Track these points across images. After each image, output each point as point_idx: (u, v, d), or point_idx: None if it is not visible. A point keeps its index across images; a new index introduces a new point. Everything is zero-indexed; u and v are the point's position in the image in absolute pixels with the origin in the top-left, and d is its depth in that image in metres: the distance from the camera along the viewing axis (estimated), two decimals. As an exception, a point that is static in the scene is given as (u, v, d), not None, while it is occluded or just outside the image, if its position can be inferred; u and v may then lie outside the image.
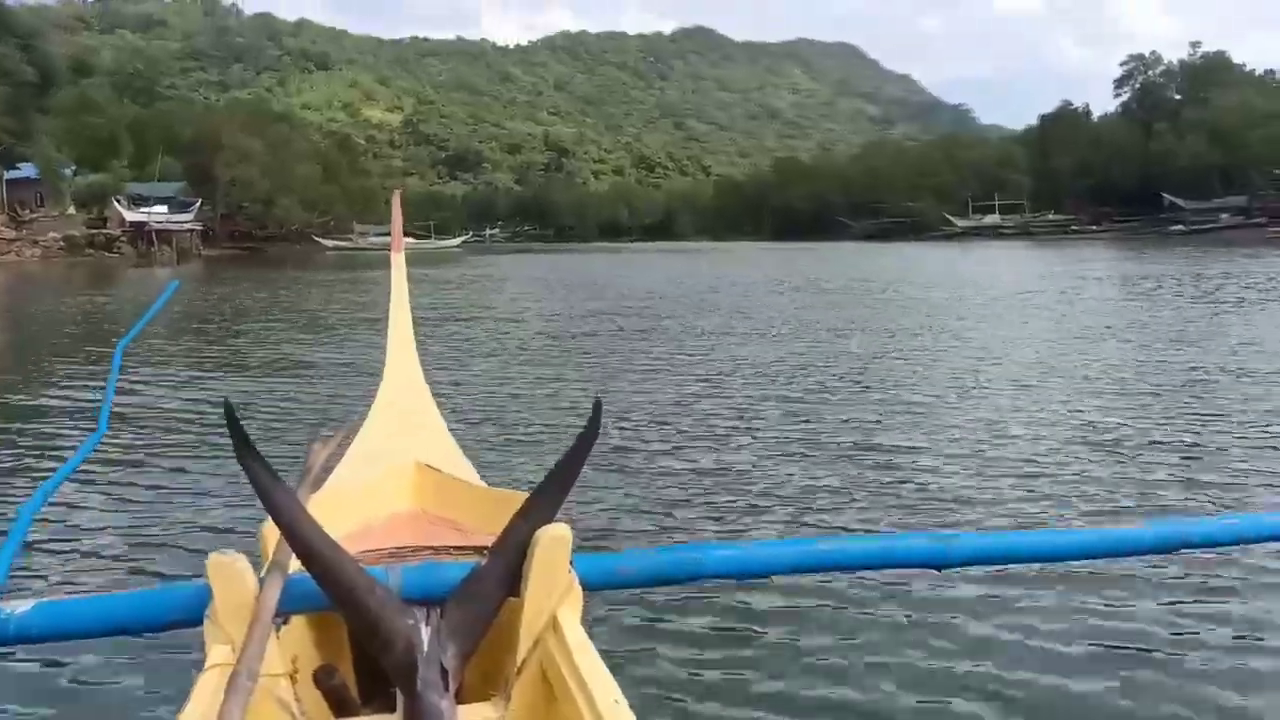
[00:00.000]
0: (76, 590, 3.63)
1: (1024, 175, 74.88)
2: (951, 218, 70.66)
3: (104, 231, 51.76)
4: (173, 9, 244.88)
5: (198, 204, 56.65)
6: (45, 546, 4.21)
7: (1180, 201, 60.16)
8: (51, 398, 8.26)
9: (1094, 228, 63.96)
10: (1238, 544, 2.04)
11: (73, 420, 7.15)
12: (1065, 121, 77.19)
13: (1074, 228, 65.10)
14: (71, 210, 53.57)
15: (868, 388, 8.28)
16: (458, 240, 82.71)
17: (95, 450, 3.34)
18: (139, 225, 51.96)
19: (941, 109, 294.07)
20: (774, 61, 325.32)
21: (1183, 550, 1.95)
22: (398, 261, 3.60)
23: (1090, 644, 3.29)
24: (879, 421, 6.85)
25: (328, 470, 2.25)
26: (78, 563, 4.10)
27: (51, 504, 3.61)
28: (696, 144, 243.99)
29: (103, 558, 4.18)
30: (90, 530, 4.51)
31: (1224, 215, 57.38)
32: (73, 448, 5.16)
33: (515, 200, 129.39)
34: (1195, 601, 3.62)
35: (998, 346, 11.07)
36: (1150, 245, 43.40)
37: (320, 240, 69.12)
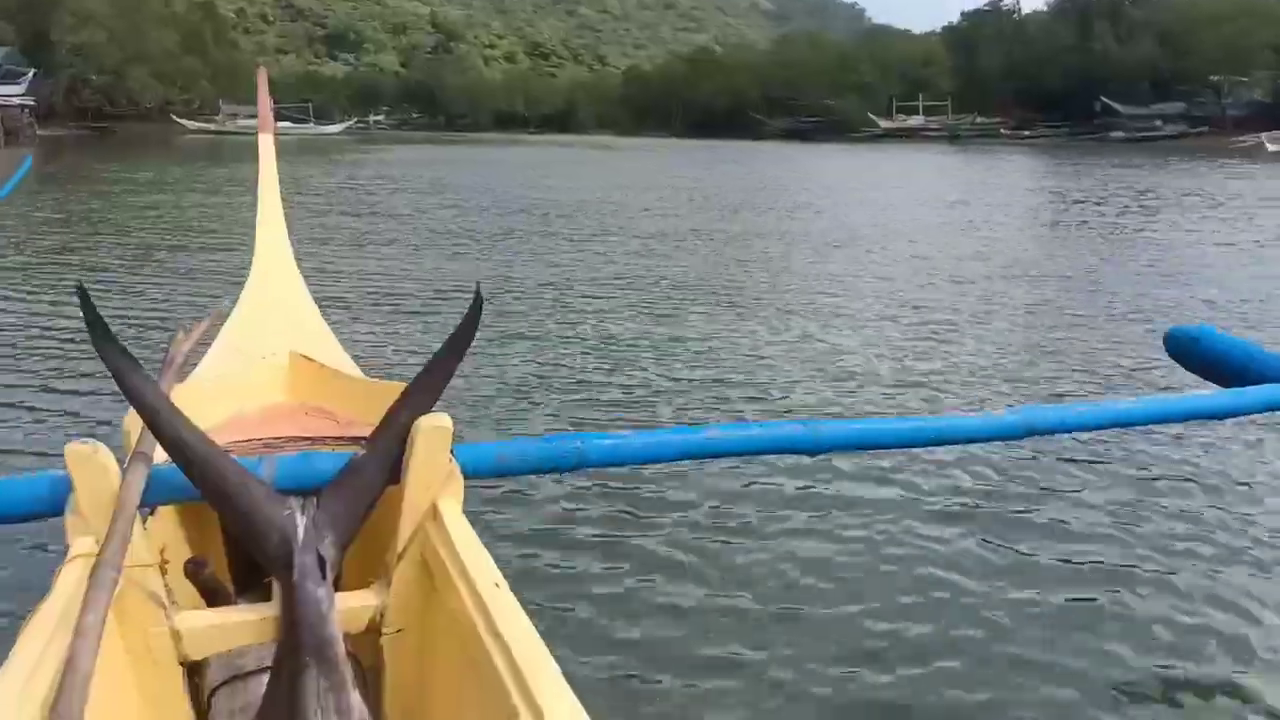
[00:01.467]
0: None
1: (949, 76, 71.02)
2: (875, 118, 66.60)
3: None
4: None
5: (29, 74, 47.40)
6: None
7: (1118, 106, 57.07)
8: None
9: (1025, 133, 60.73)
10: (1086, 429, 2.32)
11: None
12: (992, 19, 73.31)
13: (1003, 131, 61.69)
14: None
15: (752, 291, 8.32)
16: (340, 126, 74.47)
17: None
18: None
19: (836, 7, 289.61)
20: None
21: (1040, 435, 2.11)
22: (265, 143, 3.43)
23: (948, 522, 3.54)
24: (758, 324, 6.98)
25: (194, 363, 2.17)
26: None
27: None
28: (591, 32, 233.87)
29: None
30: None
31: (1160, 122, 54.82)
32: None
33: (401, 85, 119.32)
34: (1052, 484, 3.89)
35: (892, 254, 10.96)
36: (1088, 154, 40.17)
37: (181, 121, 60.42)
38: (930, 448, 3.64)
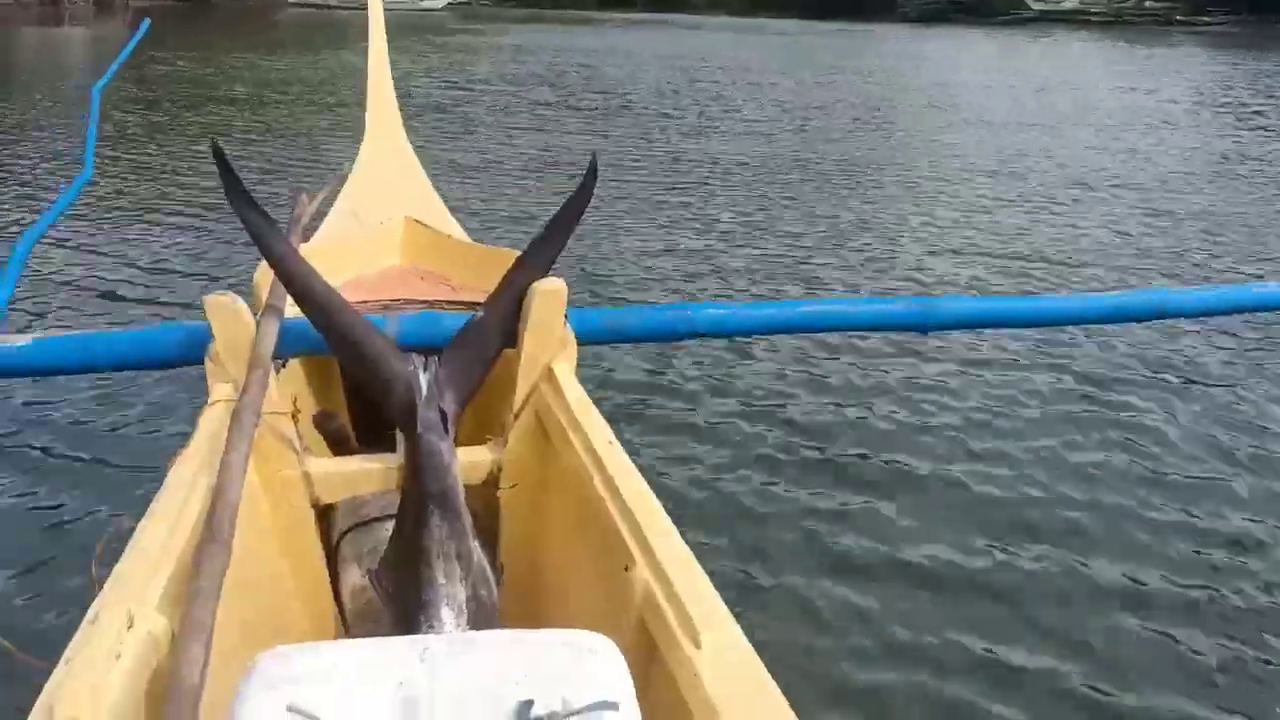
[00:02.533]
0: (72, 328, 3.64)
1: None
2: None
3: None
4: None
5: None
6: (41, 284, 4.35)
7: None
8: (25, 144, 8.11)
9: (1203, 19, 53.13)
10: (1221, 313, 2.31)
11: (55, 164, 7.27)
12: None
13: (1177, 18, 54.12)
14: None
15: (870, 175, 8.05)
16: (440, 2, 70.25)
17: (83, 192, 2.87)
18: None
19: None
20: None
21: (1166, 319, 2.02)
22: (375, 12, 3.43)
23: (1063, 404, 3.51)
24: (874, 202, 6.87)
25: (315, 226, 2.25)
26: (73, 301, 4.23)
27: (46, 243, 3.56)
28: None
29: (98, 296, 4.32)
30: (84, 270, 4.67)
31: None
32: (60, 190, 4.82)
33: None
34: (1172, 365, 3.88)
35: (1042, 147, 10.17)
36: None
37: (282, -8, 57.16)
38: (1052, 327, 3.77)
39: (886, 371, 3.76)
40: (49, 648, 0.92)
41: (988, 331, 3.82)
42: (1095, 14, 56.93)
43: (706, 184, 7.33)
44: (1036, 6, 59.00)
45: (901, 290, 4.84)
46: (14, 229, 5.29)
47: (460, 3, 79.95)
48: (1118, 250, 5.82)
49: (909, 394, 3.60)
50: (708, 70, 19.40)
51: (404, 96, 4.12)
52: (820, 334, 3.04)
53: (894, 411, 3.45)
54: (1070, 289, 4.90)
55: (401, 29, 35.98)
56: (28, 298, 4.11)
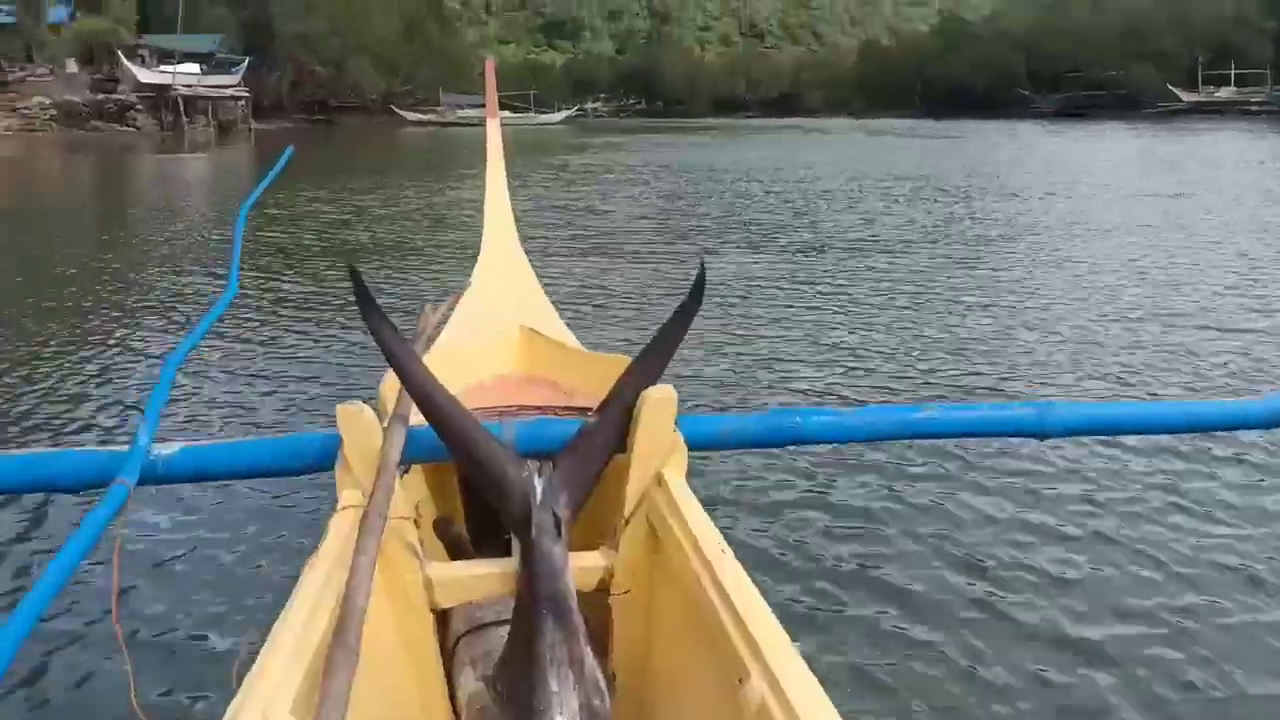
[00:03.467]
0: (215, 437, 3.94)
1: (1268, 40, 58.48)
2: (1176, 90, 55.39)
3: (115, 97, 38.77)
4: None
5: (245, 63, 44.11)
6: (188, 396, 4.60)
7: None
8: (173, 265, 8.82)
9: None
10: None
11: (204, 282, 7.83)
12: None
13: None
14: (73, 68, 39.93)
15: (993, 283, 7.76)
16: (561, 115, 70.12)
17: (228, 308, 2.99)
18: (161, 89, 39.44)
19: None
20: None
21: None
22: (493, 129, 3.58)
23: (1189, 511, 3.33)
24: (995, 311, 6.61)
25: (438, 334, 2.32)
26: (217, 411, 4.46)
27: (192, 358, 3.67)
28: (806, 10, 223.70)
29: (239, 407, 4.56)
30: (227, 381, 4.94)
31: None
32: (206, 307, 4.94)
33: (617, 71, 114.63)
34: None
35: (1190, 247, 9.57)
36: None
37: (402, 113, 57.22)
38: (1177, 434, 3.49)
39: (1000, 477, 3.60)
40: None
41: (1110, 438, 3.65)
42: (1257, 103, 52.53)
43: (818, 290, 7.28)
44: (1188, 98, 54.96)
45: (1023, 397, 4.56)
46: (167, 341, 5.70)
47: (577, 115, 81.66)
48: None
49: (1028, 501, 3.43)
50: (824, 176, 18.98)
51: (521, 209, 4.45)
52: (931, 439, 2.48)
53: (1010, 518, 3.31)
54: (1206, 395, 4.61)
55: (522, 141, 35.91)
56: (175, 408, 4.25)
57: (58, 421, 4.47)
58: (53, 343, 5.99)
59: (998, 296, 7.13)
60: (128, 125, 38.03)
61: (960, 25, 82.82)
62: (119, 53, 39.35)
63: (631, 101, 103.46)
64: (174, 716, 2.31)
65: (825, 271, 8.26)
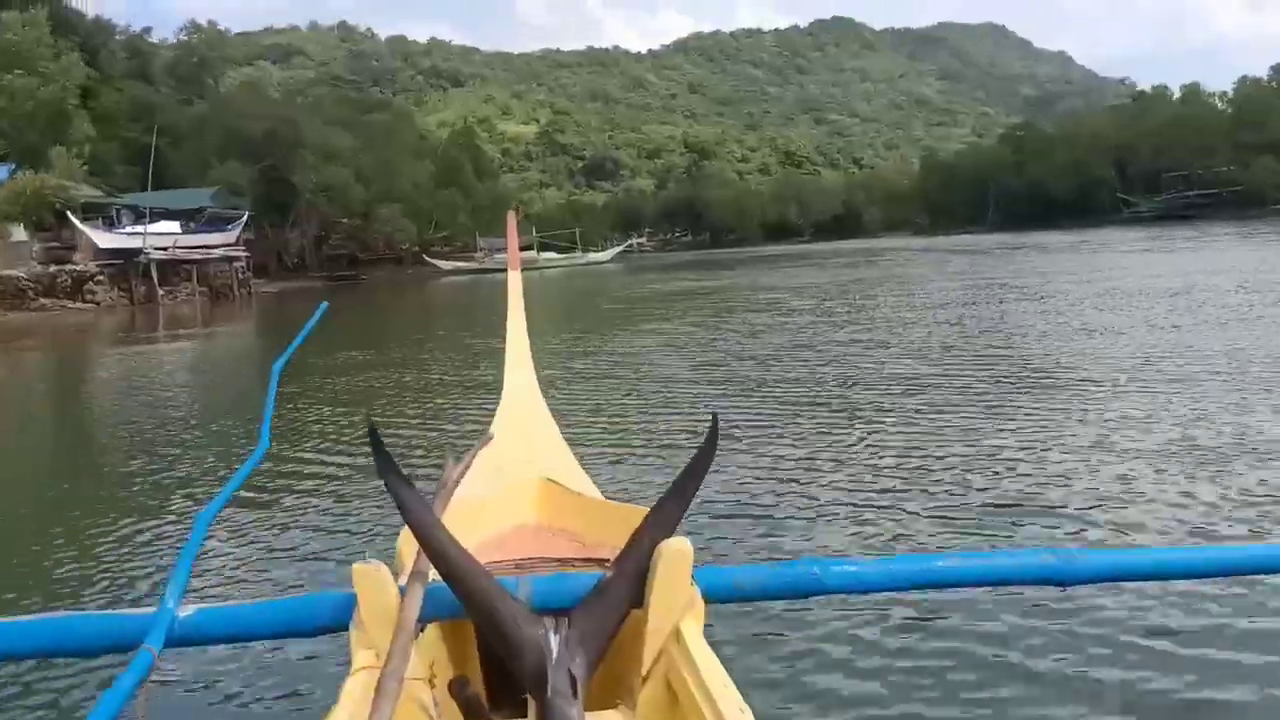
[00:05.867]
0: (232, 596, 3.95)
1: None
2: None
3: (70, 268, 31.85)
4: (310, 38, 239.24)
5: (243, 219, 37.93)
6: (209, 554, 4.57)
7: None
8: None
9: None
10: None
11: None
12: None
13: None
14: (20, 235, 32.93)
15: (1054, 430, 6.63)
16: (611, 253, 64.38)
17: (259, 464, 2.88)
18: (128, 255, 32.75)
19: (1105, 85, 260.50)
20: (917, 47, 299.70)
21: None
22: (514, 279, 3.65)
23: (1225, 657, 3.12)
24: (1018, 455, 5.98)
25: (457, 486, 2.25)
26: (234, 570, 4.46)
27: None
28: (841, 138, 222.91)
29: (257, 565, 4.54)
30: (247, 539, 4.95)
31: None
32: (239, 463, 4.85)
33: (662, 204, 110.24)
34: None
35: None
36: None
37: (434, 262, 51.44)
38: (1205, 579, 3.34)
39: (1025, 625, 3.43)
40: None
41: (1131, 585, 3.47)
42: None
43: (825, 441, 6.67)
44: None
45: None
46: (197, 499, 5.81)
47: (626, 252, 76.22)
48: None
49: (1055, 650, 3.24)
50: (868, 304, 17.25)
51: (547, 354, 4.80)
52: (951, 589, 2.28)
53: (1038, 668, 3.13)
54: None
55: (569, 285, 32.09)
56: (201, 566, 4.30)
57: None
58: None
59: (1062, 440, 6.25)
60: (86, 301, 31.13)
61: (1034, 133, 76.15)
62: (68, 214, 32.51)
63: (678, 234, 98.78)
64: None
65: (851, 410, 7.52)
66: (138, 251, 32.88)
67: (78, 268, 31.98)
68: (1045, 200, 59.69)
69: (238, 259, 36.71)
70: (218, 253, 35.77)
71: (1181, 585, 3.58)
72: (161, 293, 32.86)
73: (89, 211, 34.52)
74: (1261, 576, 3.46)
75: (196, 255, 34.76)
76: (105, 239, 32.90)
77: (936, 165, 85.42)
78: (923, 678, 3.13)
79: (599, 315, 19.20)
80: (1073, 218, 53.79)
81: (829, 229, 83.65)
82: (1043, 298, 16.30)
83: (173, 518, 5.61)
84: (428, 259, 51.79)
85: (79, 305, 31.09)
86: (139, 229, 33.32)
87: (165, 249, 33.57)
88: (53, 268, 31.52)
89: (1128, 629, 3.37)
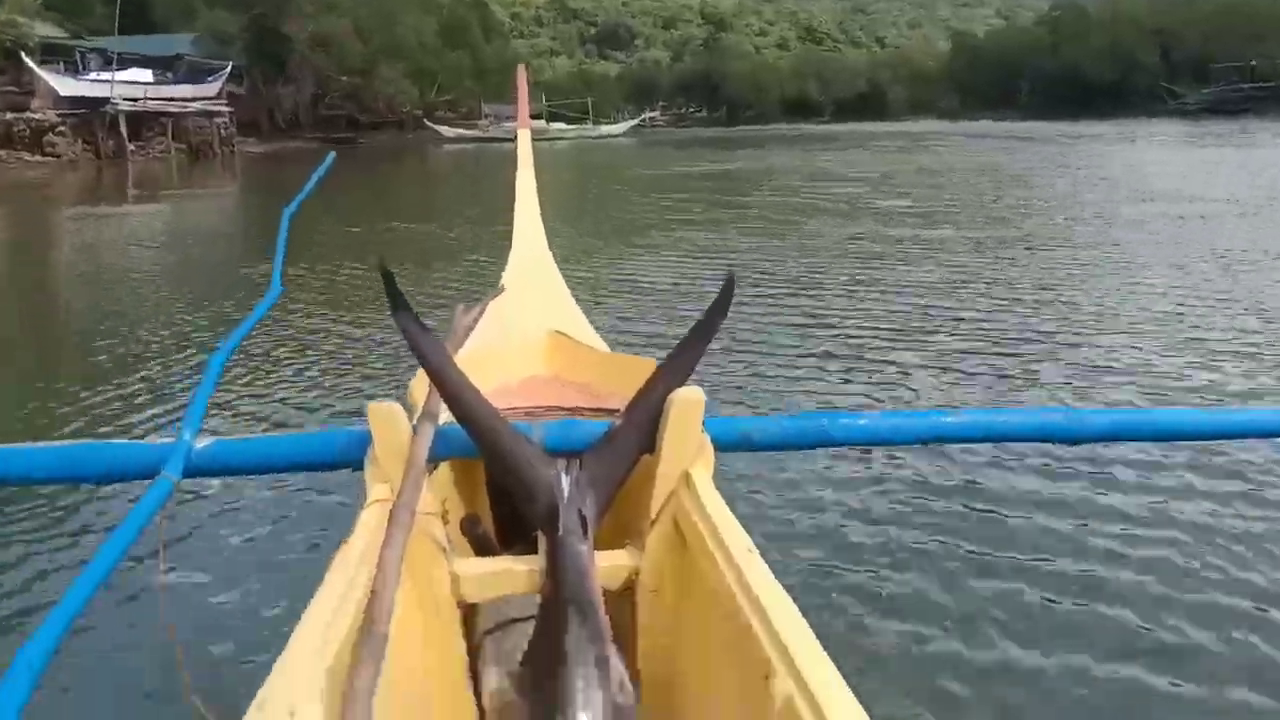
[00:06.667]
0: (250, 431, 4.20)
1: None
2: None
3: (28, 117, 28.15)
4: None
5: (226, 70, 34.34)
6: (224, 392, 4.78)
7: None
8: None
9: None
10: None
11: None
12: None
13: None
14: None
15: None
16: (624, 126, 61.05)
17: (272, 308, 2.89)
18: (93, 105, 29.09)
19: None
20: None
21: None
22: (523, 136, 3.62)
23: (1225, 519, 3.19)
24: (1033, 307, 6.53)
25: (467, 337, 2.23)
26: (251, 406, 4.69)
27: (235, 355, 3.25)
28: (864, 15, 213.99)
29: (273, 402, 4.77)
30: (263, 379, 5.16)
31: None
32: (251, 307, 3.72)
33: (677, 77, 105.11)
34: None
35: None
36: None
37: (437, 128, 48.26)
38: (1212, 441, 3.42)
39: (1030, 482, 3.55)
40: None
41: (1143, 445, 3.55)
42: None
43: (839, 296, 7.05)
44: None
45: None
46: (211, 336, 6.17)
47: (640, 126, 72.60)
48: None
49: (1061, 507, 3.35)
50: (884, 188, 16.55)
51: (556, 215, 4.47)
52: (959, 444, 2.53)
53: (1043, 524, 3.24)
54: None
55: (579, 159, 30.65)
56: (213, 404, 3.92)
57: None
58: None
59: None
60: (46, 154, 27.56)
61: (1077, 13, 71.01)
62: (22, 55, 28.41)
63: (693, 110, 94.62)
64: (225, 704, 1.80)
65: (867, 277, 7.84)
66: (104, 101, 29.40)
67: (36, 116, 28.58)
68: (1082, 84, 56.19)
69: (219, 114, 33.28)
70: (195, 106, 32.26)
71: (1188, 446, 3.60)
72: (132, 148, 29.65)
73: (50, 54, 30.97)
74: (1273, 439, 3.31)
75: (173, 109, 31.30)
76: (67, 86, 29.31)
77: (967, 45, 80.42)
78: (926, 531, 3.17)
79: (613, 204, 17.03)
80: (1112, 105, 50.54)
81: (852, 108, 79.72)
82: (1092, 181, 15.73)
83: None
84: (429, 124, 48.53)
85: (38, 159, 27.88)
86: (105, 76, 29.77)
87: (136, 100, 30.08)
88: (9, 115, 28.13)
89: (1131, 489, 3.43)
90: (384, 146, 40.37)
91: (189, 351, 6.13)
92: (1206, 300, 6.78)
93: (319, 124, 43.15)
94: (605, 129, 56.71)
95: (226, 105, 34.11)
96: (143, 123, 30.75)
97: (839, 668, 1.01)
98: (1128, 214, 12.04)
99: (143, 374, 5.49)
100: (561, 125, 55.03)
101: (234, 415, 4.47)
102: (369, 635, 1.04)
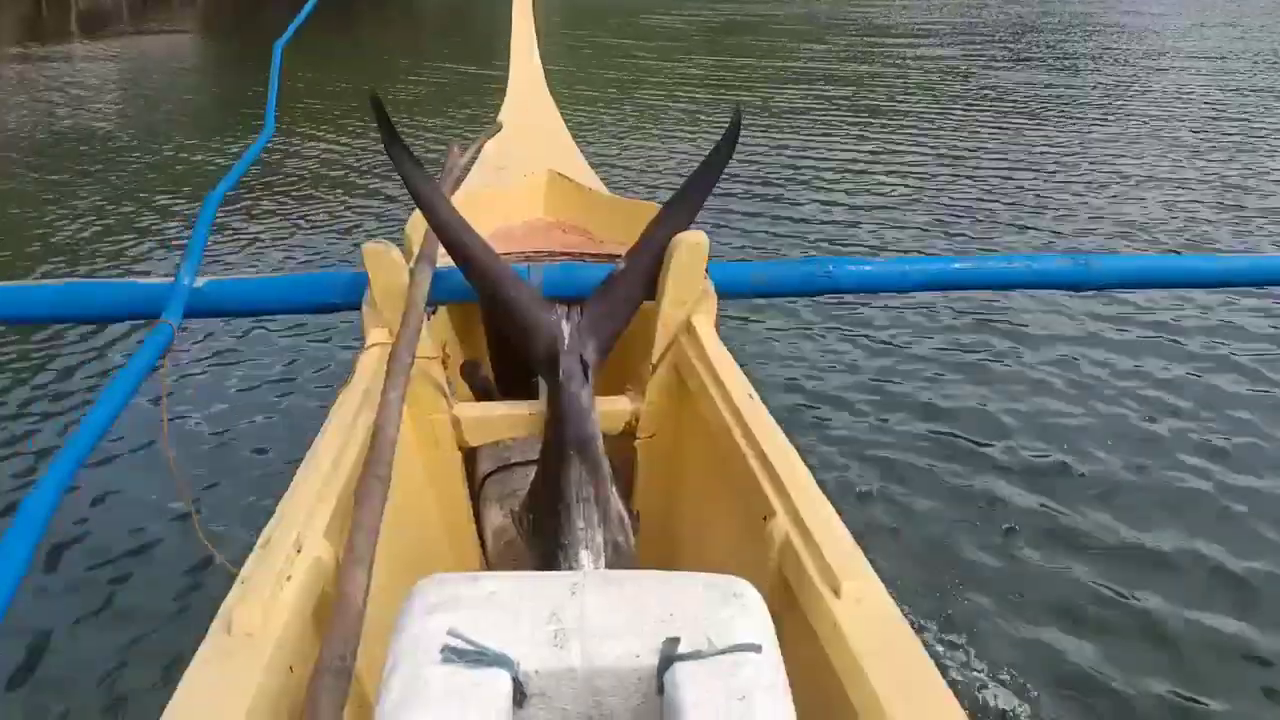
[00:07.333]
0: (245, 272, 4.11)
1: None
2: None
3: None
4: None
5: None
6: (221, 232, 4.64)
7: None
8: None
9: None
10: None
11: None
12: None
13: None
14: None
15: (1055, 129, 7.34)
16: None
17: (266, 148, 2.85)
18: None
19: None
20: None
21: None
22: None
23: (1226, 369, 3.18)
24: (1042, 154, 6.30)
25: (464, 175, 2.18)
26: (247, 247, 4.62)
27: (230, 193, 3.03)
28: None
29: (269, 244, 4.70)
30: (257, 220, 5.06)
31: None
32: (246, 146, 4.30)
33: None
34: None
35: None
36: None
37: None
38: (1217, 289, 3.42)
39: (1038, 328, 3.48)
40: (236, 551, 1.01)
41: (1150, 291, 3.53)
42: None
43: (849, 144, 6.61)
44: None
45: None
46: (203, 182, 5.58)
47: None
48: None
49: (1064, 351, 3.32)
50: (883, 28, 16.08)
51: (553, 52, 4.19)
52: (966, 290, 2.27)
53: (1045, 368, 3.21)
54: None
55: None
56: (213, 246, 4.17)
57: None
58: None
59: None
60: None
61: None
62: None
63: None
64: (233, 541, 1.95)
65: (869, 128, 7.37)
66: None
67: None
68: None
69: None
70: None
71: (1199, 293, 3.58)
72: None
73: None
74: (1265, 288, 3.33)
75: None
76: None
77: None
78: (925, 378, 3.10)
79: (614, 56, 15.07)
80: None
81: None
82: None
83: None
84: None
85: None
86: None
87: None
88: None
89: (1142, 330, 3.34)
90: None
91: (174, 195, 5.94)
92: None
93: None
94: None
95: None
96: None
97: (837, 510, 1.02)
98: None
99: (131, 217, 5.38)
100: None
101: (229, 256, 4.43)
102: (372, 475, 1.04)
